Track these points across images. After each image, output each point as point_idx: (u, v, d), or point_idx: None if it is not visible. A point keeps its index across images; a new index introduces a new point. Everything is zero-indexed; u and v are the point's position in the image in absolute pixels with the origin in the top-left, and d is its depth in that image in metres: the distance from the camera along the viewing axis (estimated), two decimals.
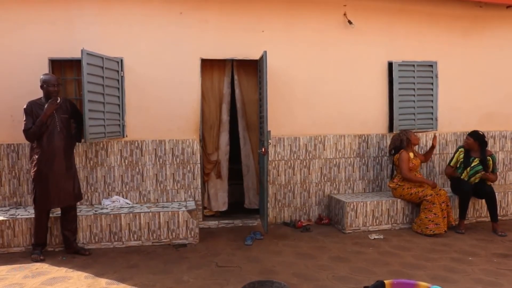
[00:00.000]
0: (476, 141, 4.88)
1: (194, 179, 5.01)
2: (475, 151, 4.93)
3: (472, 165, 4.86)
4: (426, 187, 4.80)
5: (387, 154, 5.45)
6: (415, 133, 5.04)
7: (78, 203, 4.27)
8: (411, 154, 4.89)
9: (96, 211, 4.45)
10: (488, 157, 4.90)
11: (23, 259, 3.93)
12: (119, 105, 4.73)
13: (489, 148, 5.67)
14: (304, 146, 5.26)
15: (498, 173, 5.81)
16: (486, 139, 4.96)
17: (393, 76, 5.36)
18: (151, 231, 4.39)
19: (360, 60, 5.33)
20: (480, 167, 4.84)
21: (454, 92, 5.65)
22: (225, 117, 5.24)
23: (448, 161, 5.20)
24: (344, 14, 5.22)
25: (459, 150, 5.02)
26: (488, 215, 4.89)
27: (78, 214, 4.23)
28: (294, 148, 5.24)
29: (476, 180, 4.87)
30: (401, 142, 4.94)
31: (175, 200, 4.99)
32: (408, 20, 5.43)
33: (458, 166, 5.01)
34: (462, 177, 4.94)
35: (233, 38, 4.97)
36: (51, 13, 4.61)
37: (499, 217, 4.90)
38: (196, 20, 4.89)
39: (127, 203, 4.77)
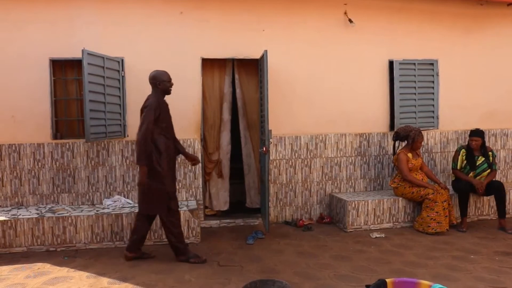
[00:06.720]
0: (483, 139, 4.87)
1: (195, 178, 5.01)
2: (477, 150, 4.92)
3: (477, 164, 4.86)
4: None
5: (389, 153, 5.45)
6: (423, 139, 4.94)
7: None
8: (410, 155, 4.87)
9: (97, 211, 4.45)
10: (489, 152, 4.90)
11: (25, 259, 3.94)
12: (120, 105, 4.73)
13: (490, 146, 5.67)
14: (305, 145, 5.26)
15: (499, 172, 5.82)
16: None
17: (394, 74, 5.35)
18: (152, 231, 4.38)
19: (361, 59, 5.32)
20: (486, 164, 4.84)
21: (455, 90, 5.64)
22: (226, 116, 5.24)
23: (452, 164, 5.06)
24: (345, 13, 5.22)
25: (461, 151, 4.98)
26: (490, 213, 4.86)
27: (79, 214, 4.26)
28: (295, 147, 5.24)
29: (482, 179, 4.85)
30: (407, 136, 4.86)
31: None
32: (409, 18, 5.42)
33: (463, 167, 4.97)
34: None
35: (233, 37, 4.97)
36: (52, 13, 4.61)
37: None
38: (196, 19, 4.89)
39: (129, 203, 4.77)
